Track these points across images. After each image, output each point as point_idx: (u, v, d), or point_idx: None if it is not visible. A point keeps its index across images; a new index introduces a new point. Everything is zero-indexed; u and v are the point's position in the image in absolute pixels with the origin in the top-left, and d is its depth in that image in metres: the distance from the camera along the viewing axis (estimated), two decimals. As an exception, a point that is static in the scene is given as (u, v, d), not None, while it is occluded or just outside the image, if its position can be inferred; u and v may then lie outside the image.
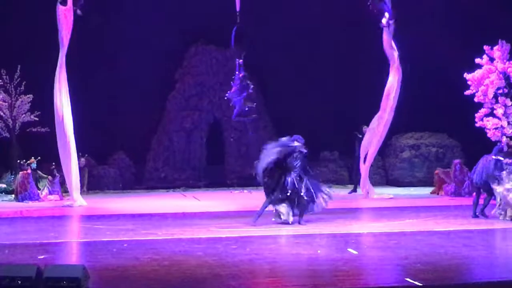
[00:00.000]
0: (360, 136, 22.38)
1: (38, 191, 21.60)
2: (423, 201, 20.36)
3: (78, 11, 19.38)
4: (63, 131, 19.34)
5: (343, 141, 24.45)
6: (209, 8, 24.29)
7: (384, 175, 25.72)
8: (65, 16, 19.18)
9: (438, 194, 22.10)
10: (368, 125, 21.81)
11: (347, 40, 25.00)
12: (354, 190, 22.77)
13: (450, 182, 21.88)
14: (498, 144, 20.84)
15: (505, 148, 20.85)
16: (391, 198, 21.13)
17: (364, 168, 21.33)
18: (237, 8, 19.49)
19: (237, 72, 19.31)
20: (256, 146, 26.57)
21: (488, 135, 21.02)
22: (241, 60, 19.15)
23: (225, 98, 20.25)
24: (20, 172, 21.46)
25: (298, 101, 25.99)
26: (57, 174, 21.61)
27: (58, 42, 19.46)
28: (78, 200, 19.76)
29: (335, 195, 22.13)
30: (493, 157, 16.00)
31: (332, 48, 25.53)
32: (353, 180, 23.35)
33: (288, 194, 14.92)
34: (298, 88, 26.10)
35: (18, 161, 21.96)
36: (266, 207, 15.19)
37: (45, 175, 21.99)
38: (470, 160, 21.66)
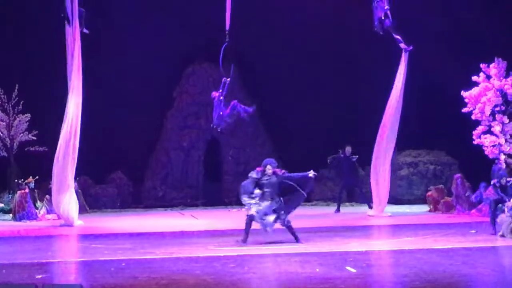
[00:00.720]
0: (342, 155, 22.59)
1: (36, 211, 21.58)
2: (422, 219, 20.33)
3: (85, 30, 19.48)
4: (66, 151, 19.32)
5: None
6: (206, 26, 24.43)
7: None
8: (73, 38, 19.25)
9: (434, 211, 22.13)
10: (351, 146, 22.30)
11: (347, 54, 25.10)
12: (338, 210, 22.76)
13: (447, 199, 21.94)
14: (496, 162, 20.90)
15: (503, 166, 20.94)
16: (389, 216, 21.12)
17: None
18: (227, 27, 19.54)
19: (220, 91, 19.21)
20: (254, 164, 26.77)
21: (486, 152, 21.04)
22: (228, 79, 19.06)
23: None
24: (18, 192, 21.44)
25: (297, 119, 26.09)
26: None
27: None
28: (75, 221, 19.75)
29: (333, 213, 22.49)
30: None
31: (332, 62, 25.62)
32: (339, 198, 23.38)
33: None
34: (296, 104, 26.19)
35: (16, 180, 21.97)
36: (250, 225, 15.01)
37: (40, 202, 21.93)
38: (468, 177, 21.76)
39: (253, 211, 14.57)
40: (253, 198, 14.59)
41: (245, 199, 14.69)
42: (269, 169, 14.68)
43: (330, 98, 25.81)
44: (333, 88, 25.75)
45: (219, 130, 19.19)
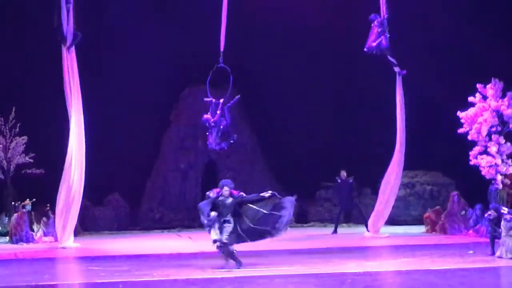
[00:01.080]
0: (339, 181, 22.81)
1: (33, 233, 21.56)
2: (419, 240, 20.35)
3: (67, 50, 19.54)
4: (69, 172, 19.47)
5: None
6: (203, 49, 24.55)
7: (380, 214, 25.75)
8: (71, 59, 19.44)
9: (432, 233, 22.13)
10: (345, 170, 22.65)
11: (346, 75, 25.28)
12: (335, 231, 22.89)
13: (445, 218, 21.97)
14: (493, 182, 20.92)
15: (500, 186, 20.98)
16: (387, 236, 21.13)
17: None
18: (221, 48, 19.67)
19: (219, 112, 19.34)
20: (252, 186, 26.87)
21: (483, 173, 21.06)
22: (221, 100, 19.24)
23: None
24: (15, 214, 21.43)
25: (293, 143, 26.22)
26: (51, 216, 21.60)
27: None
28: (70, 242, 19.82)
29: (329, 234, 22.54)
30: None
31: (331, 85, 25.79)
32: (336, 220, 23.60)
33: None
34: (293, 130, 26.36)
35: (13, 203, 21.99)
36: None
37: (37, 224, 21.91)
38: (465, 198, 21.79)
39: (213, 236, 14.39)
40: (210, 220, 14.38)
41: (204, 221, 14.48)
42: (226, 190, 14.58)
43: (328, 119, 26.00)
44: (334, 114, 25.96)
45: (218, 149, 19.33)
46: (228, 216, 14.47)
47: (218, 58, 19.55)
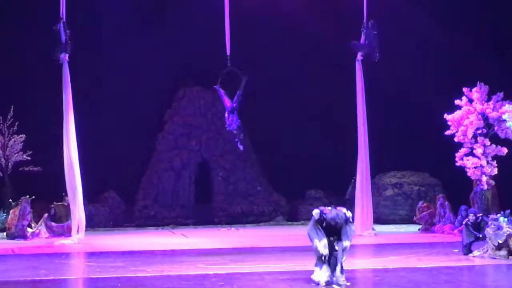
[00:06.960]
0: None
1: (30, 229, 21.81)
2: (406, 238, 20.65)
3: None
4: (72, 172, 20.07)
5: (328, 180, 24.97)
6: (198, 50, 24.91)
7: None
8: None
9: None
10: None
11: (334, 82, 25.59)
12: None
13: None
14: (478, 183, 21.35)
15: (485, 187, 21.43)
16: (374, 234, 21.46)
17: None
18: (228, 52, 20.07)
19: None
20: (244, 185, 27.22)
21: (468, 174, 21.43)
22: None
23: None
24: (11, 210, 21.67)
25: (285, 140, 26.52)
26: (51, 213, 21.95)
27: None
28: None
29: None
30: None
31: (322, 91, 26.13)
32: None
33: None
34: (285, 126, 26.66)
35: (10, 200, 22.19)
36: None
37: (34, 222, 22.21)
38: (451, 198, 22.22)
39: None
40: None
41: None
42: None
43: (319, 124, 26.31)
44: (322, 114, 26.27)
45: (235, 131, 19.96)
46: None
47: (225, 61, 20.02)
